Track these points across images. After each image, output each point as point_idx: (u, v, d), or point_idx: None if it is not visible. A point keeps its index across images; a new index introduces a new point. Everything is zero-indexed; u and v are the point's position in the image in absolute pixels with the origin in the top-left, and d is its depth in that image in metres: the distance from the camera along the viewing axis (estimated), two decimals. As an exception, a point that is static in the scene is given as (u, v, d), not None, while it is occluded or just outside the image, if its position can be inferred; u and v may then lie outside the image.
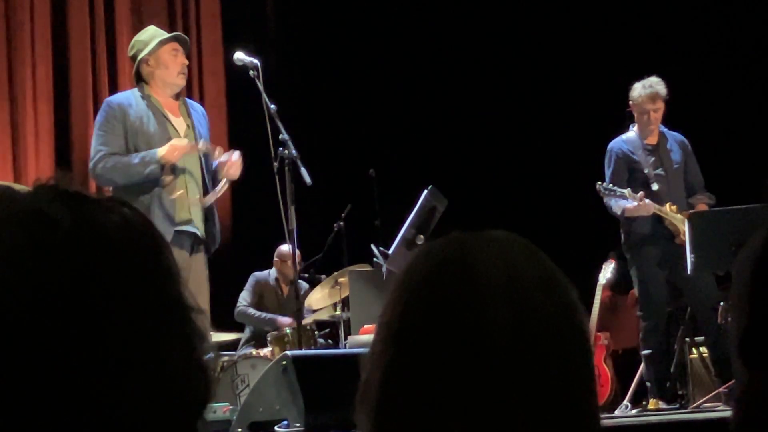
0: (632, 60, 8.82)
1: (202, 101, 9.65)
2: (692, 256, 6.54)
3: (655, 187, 7.00)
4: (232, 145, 9.58)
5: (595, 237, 7.89)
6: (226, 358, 7.99)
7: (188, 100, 6.04)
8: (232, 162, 5.80)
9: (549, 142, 9.69)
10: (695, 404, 6.85)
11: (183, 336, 0.93)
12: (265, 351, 7.94)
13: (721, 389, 6.61)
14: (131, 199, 5.47)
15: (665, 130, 7.24)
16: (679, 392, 7.42)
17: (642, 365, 7.43)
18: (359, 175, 8.32)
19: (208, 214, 5.82)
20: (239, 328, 8.78)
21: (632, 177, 7.07)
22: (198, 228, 5.75)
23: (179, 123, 5.82)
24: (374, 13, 10.11)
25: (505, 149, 9.83)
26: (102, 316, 0.87)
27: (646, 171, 7.05)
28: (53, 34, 8.78)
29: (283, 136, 5.89)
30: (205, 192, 5.83)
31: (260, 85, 5.93)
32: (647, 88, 7.07)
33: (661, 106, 7.11)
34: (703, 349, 7.44)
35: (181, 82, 5.88)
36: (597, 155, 7.37)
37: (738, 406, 1.36)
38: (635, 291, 7.29)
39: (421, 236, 6.39)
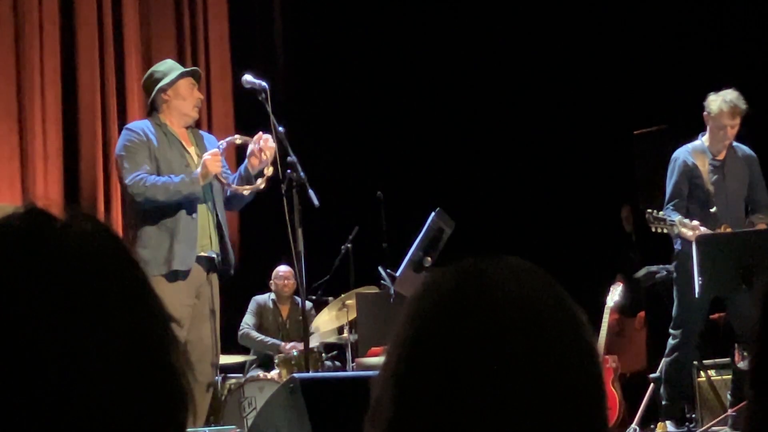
0: (637, 84, 8.83)
1: (210, 123, 9.69)
2: (700, 278, 6.51)
3: (713, 208, 6.83)
4: (239, 167, 9.63)
5: (602, 259, 7.88)
6: (233, 381, 7.98)
7: (199, 131, 6.15)
8: (265, 145, 5.82)
9: (557, 165, 9.70)
10: (703, 428, 6.83)
11: (155, 355, 0.92)
12: (273, 373, 7.94)
13: (729, 413, 6.59)
14: (156, 222, 5.59)
15: (735, 144, 7.00)
16: (688, 415, 7.40)
17: (650, 388, 7.40)
18: (367, 197, 8.33)
19: (222, 238, 5.87)
20: (246, 350, 8.78)
21: (692, 193, 6.89)
22: (216, 253, 5.83)
23: (192, 152, 5.92)
24: (383, 37, 10.14)
25: (513, 172, 9.84)
26: (64, 333, 0.87)
27: (707, 188, 6.85)
28: (62, 57, 8.82)
29: (291, 158, 5.91)
30: (218, 221, 5.88)
31: (268, 108, 5.95)
32: (728, 102, 6.76)
33: (738, 122, 6.84)
34: (711, 372, 7.41)
35: (196, 114, 6.01)
36: (605, 179, 7.36)
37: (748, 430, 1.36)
38: (675, 306, 7.06)
39: (429, 258, 6.39)
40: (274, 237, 6.66)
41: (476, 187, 9.84)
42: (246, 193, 5.92)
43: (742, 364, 7.06)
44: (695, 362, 7.46)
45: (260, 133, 5.89)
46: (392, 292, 6.52)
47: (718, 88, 6.84)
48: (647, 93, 7.35)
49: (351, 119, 9.91)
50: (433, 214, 6.54)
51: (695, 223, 6.66)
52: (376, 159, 9.66)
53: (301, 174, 5.89)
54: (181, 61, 9.68)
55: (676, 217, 6.67)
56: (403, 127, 9.95)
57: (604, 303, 8.40)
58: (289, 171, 5.91)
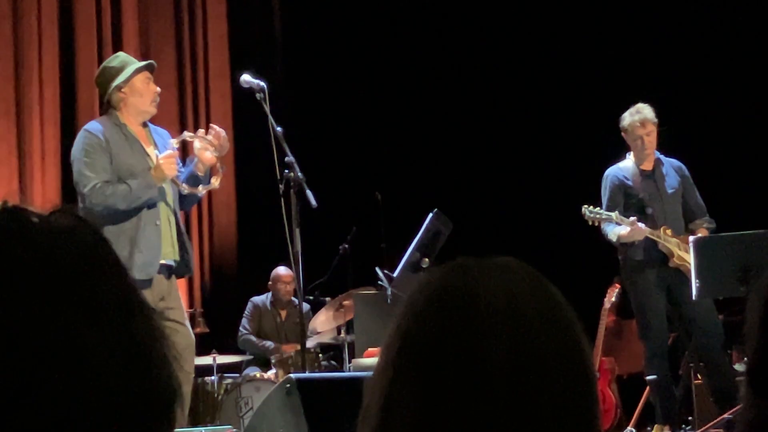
0: (633, 87, 8.83)
1: (208, 123, 9.69)
2: (697, 281, 6.53)
3: (649, 210, 7.02)
4: (237, 167, 9.64)
5: (600, 262, 7.88)
6: (230, 381, 7.98)
7: (151, 126, 5.91)
8: (216, 134, 5.71)
9: (555, 166, 9.70)
10: (700, 430, 6.83)
11: (143, 347, 0.92)
12: (269, 373, 7.94)
13: (725, 415, 6.58)
14: (116, 228, 5.40)
15: (661, 156, 7.25)
16: (684, 418, 7.40)
17: (647, 390, 7.41)
18: (365, 198, 8.33)
19: (182, 243, 5.77)
20: (243, 350, 8.78)
21: (628, 203, 7.09)
22: (175, 260, 5.72)
23: (151, 151, 5.74)
24: (382, 37, 10.14)
25: (511, 173, 9.84)
26: (50, 330, 0.87)
27: (641, 196, 7.07)
28: (60, 56, 8.82)
29: (289, 158, 5.88)
30: (177, 226, 5.80)
31: (266, 108, 5.92)
32: (635, 115, 7.10)
33: (652, 129, 7.12)
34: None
35: (154, 110, 5.79)
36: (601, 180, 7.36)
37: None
38: (635, 317, 7.29)
39: (426, 259, 6.39)
40: (272, 238, 6.65)
41: (474, 188, 9.83)
42: (201, 193, 5.81)
43: (739, 366, 7.07)
44: (691, 365, 7.47)
45: (210, 127, 5.80)
46: (390, 293, 6.51)
47: (715, 88, 6.91)
48: (647, 94, 7.35)
49: (349, 120, 9.91)
50: (430, 215, 6.54)
51: (633, 218, 6.84)
52: (375, 160, 9.65)
53: (299, 174, 5.86)
54: (180, 61, 9.70)
55: (613, 212, 6.87)
56: (401, 128, 9.95)
57: (601, 305, 8.40)
58: (287, 171, 5.88)
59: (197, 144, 5.76)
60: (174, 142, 5.78)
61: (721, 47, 9.42)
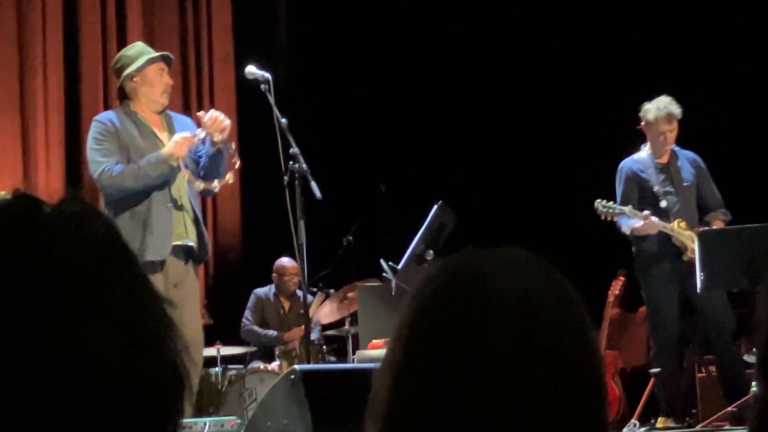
0: (642, 78, 8.82)
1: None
2: (702, 273, 6.52)
3: (663, 203, 7.00)
4: (242, 158, 9.63)
5: (604, 254, 7.88)
6: (234, 372, 7.99)
7: (171, 113, 5.96)
8: (214, 124, 5.71)
9: (560, 158, 9.69)
10: (704, 423, 6.83)
11: (153, 337, 0.91)
12: (274, 365, 7.95)
13: (730, 408, 6.59)
14: (129, 212, 5.47)
15: (677, 148, 7.21)
16: (689, 410, 7.40)
17: (651, 383, 7.41)
18: (369, 190, 8.32)
19: (198, 226, 5.80)
20: (247, 341, 8.79)
21: (642, 195, 7.07)
22: (193, 241, 5.75)
23: (165, 138, 5.78)
24: (387, 29, 10.13)
25: (516, 165, 9.83)
26: (60, 319, 0.86)
27: (655, 188, 7.04)
28: (65, 46, 8.81)
29: (294, 150, 5.88)
30: (193, 208, 5.81)
31: (271, 99, 5.92)
32: (662, 110, 7.01)
33: (676, 126, 7.07)
34: (712, 368, 7.41)
35: (165, 101, 5.85)
36: (609, 172, 7.35)
37: (756, 424, 1.35)
38: (645, 310, 7.29)
39: (431, 252, 6.39)
40: (276, 229, 6.64)
41: (479, 180, 9.83)
42: (216, 188, 5.81)
43: (748, 357, 7.07)
44: (696, 357, 7.47)
45: (206, 117, 5.77)
46: (394, 284, 6.52)
47: (726, 81, 6.90)
48: (653, 87, 7.34)
49: (354, 111, 9.90)
50: (435, 207, 6.54)
51: (646, 212, 6.82)
52: (379, 151, 9.64)
53: (304, 166, 5.86)
54: (184, 51, 9.68)
55: (626, 207, 6.86)
56: (406, 120, 9.94)
57: (605, 298, 8.40)
58: (291, 163, 5.89)
59: (208, 138, 5.76)
60: (199, 132, 5.76)
61: (731, 39, 9.40)
